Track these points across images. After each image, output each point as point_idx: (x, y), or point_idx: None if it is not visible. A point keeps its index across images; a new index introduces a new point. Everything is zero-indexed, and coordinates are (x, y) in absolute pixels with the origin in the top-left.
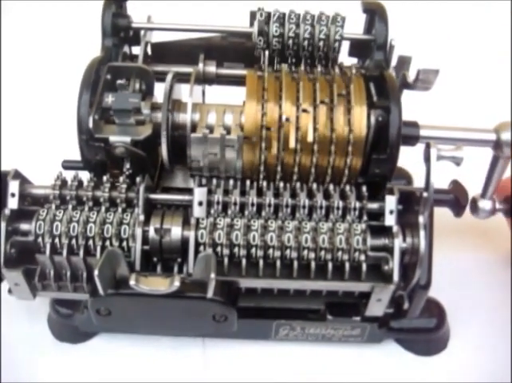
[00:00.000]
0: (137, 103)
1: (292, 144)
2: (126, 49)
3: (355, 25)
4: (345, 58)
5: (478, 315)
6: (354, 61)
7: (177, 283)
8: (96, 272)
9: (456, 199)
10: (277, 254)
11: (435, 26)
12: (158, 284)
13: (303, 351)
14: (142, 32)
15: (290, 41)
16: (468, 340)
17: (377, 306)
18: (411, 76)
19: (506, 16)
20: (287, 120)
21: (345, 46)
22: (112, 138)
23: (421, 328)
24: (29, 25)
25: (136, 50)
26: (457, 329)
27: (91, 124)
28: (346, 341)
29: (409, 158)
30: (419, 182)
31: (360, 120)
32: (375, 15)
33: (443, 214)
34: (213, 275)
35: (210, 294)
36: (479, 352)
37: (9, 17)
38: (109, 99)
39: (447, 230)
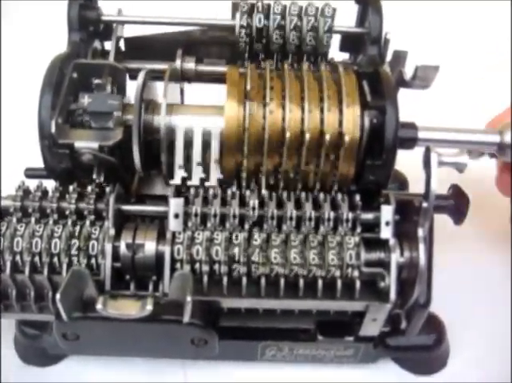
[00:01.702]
0: (117, 105)
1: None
2: (98, 44)
3: (346, 17)
4: (336, 53)
5: (478, 329)
6: (345, 56)
7: (149, 307)
8: (57, 296)
9: (456, 206)
10: (262, 270)
11: (432, 20)
12: (128, 307)
13: (292, 372)
14: (114, 25)
15: (276, 35)
16: (469, 356)
17: (372, 326)
18: (407, 73)
19: (506, 16)
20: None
21: (336, 40)
22: (78, 144)
23: (419, 345)
24: (29, 25)
25: (109, 46)
26: (457, 345)
27: (53, 129)
28: (338, 361)
29: (403, 158)
30: (414, 185)
31: (353, 121)
32: (368, 6)
33: (438, 219)
34: (189, 298)
35: (186, 318)
36: (481, 369)
37: (9, 18)
38: (85, 100)
39: (443, 237)
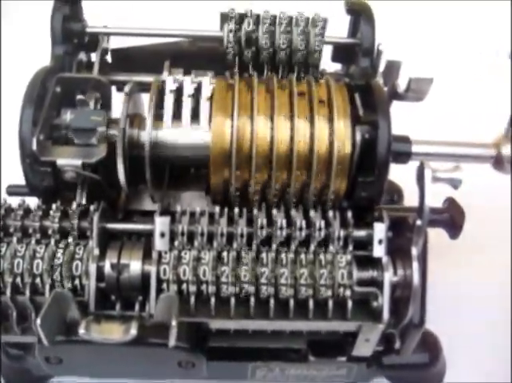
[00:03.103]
0: (101, 121)
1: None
2: (83, 56)
3: (338, 28)
4: (328, 64)
5: (474, 345)
6: (337, 66)
7: (133, 331)
8: (38, 321)
9: (452, 220)
10: (251, 290)
11: (426, 29)
12: (112, 331)
13: None
14: (100, 37)
15: (265, 46)
16: (465, 374)
17: (365, 346)
18: (401, 85)
19: (506, 16)
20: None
21: (327, 51)
22: (60, 161)
23: (414, 364)
24: (29, 25)
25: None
26: (452, 362)
27: (35, 146)
28: (331, 381)
29: (398, 167)
30: (409, 195)
31: (344, 136)
32: (360, 17)
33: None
34: (174, 322)
35: (172, 342)
36: None
37: (9, 18)
38: (68, 116)
39: (439, 250)
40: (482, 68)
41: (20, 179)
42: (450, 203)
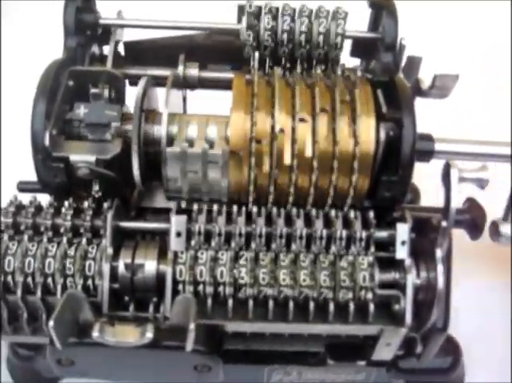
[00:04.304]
0: (115, 116)
1: (287, 160)
2: (96, 48)
3: (358, 22)
4: (347, 59)
5: (473, 345)
6: (356, 61)
7: (149, 335)
8: (50, 323)
9: (472, 220)
10: (270, 292)
11: (426, 28)
12: (127, 334)
13: None
14: (112, 29)
15: (284, 39)
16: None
17: (386, 350)
18: (424, 81)
19: (506, 16)
20: (281, 131)
21: (347, 45)
22: (73, 157)
23: (435, 368)
24: (29, 25)
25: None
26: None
27: (47, 141)
28: None
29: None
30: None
31: (368, 133)
32: (382, 10)
33: None
34: (192, 326)
35: (189, 347)
36: None
37: (9, 18)
38: (81, 111)
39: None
40: (480, 67)
41: (19, 176)
42: (471, 203)
